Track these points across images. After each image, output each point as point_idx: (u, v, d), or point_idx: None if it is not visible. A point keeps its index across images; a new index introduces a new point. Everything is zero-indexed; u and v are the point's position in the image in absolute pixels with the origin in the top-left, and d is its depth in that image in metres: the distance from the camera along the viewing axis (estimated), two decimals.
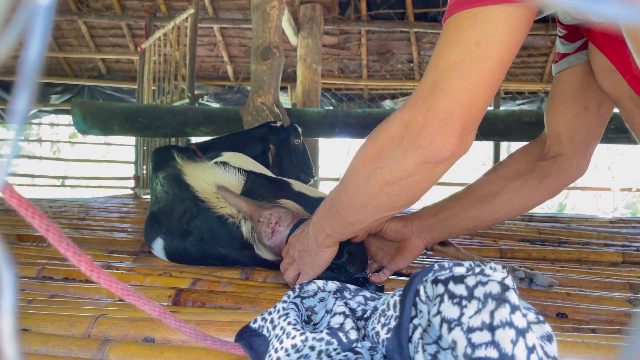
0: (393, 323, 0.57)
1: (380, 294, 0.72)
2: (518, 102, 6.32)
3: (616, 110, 1.10)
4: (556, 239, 2.09)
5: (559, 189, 1.19)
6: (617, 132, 2.80)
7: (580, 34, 1.04)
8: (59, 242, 0.43)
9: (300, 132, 2.58)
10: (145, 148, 4.72)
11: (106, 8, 6.15)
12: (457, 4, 0.71)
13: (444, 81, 0.71)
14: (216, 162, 1.38)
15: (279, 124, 2.55)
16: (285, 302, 0.66)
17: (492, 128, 3.18)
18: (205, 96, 6.40)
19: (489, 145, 5.47)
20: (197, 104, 4.21)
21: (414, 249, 1.17)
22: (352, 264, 1.08)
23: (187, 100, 3.94)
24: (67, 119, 7.51)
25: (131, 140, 5.58)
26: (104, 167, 8.16)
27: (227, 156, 1.50)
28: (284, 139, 2.51)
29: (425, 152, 0.73)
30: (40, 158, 8.25)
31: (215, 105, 6.43)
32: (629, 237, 2.16)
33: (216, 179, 1.29)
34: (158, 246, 1.39)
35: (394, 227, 1.16)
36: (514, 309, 0.46)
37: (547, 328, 0.52)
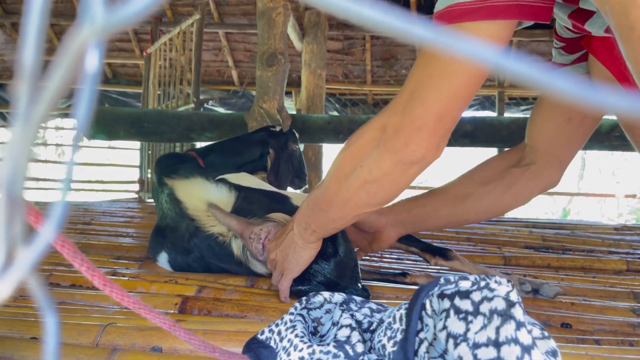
0: (399, 336, 0.57)
1: (386, 305, 0.72)
2: (522, 107, 6.31)
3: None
4: (560, 246, 2.09)
5: (527, 197, 1.20)
6: (620, 140, 2.81)
7: (580, 46, 1.04)
8: (73, 257, 0.44)
9: (298, 137, 2.60)
10: (149, 152, 4.74)
11: None
12: (437, 19, 0.75)
13: (420, 91, 0.77)
14: (208, 179, 1.36)
15: (277, 128, 2.57)
16: (292, 314, 0.67)
17: (496, 135, 3.18)
18: (210, 101, 6.42)
19: (492, 152, 5.46)
20: (202, 109, 4.23)
21: (387, 239, 1.26)
22: (342, 278, 1.08)
23: (192, 105, 3.96)
24: (73, 122, 7.55)
25: (136, 144, 5.61)
26: (108, 170, 8.19)
27: (227, 177, 1.48)
28: (283, 144, 2.53)
29: (399, 154, 0.80)
30: (46, 161, 8.29)
31: (220, 109, 6.45)
32: (633, 244, 2.16)
33: (208, 197, 1.28)
34: (163, 259, 1.40)
35: (367, 220, 1.24)
36: (520, 325, 0.46)
37: (552, 344, 0.52)
